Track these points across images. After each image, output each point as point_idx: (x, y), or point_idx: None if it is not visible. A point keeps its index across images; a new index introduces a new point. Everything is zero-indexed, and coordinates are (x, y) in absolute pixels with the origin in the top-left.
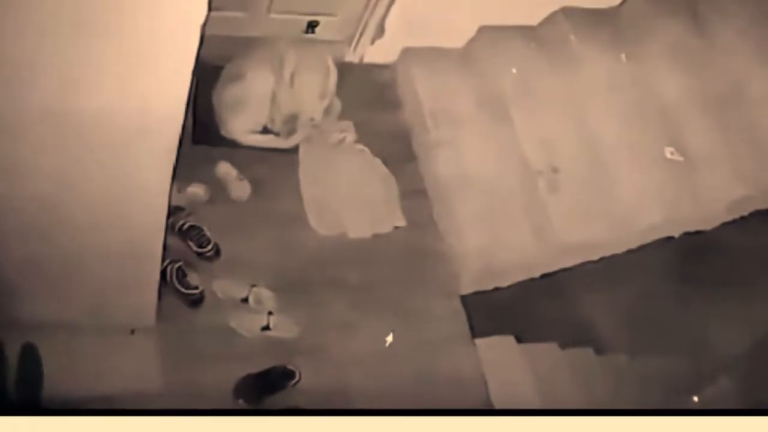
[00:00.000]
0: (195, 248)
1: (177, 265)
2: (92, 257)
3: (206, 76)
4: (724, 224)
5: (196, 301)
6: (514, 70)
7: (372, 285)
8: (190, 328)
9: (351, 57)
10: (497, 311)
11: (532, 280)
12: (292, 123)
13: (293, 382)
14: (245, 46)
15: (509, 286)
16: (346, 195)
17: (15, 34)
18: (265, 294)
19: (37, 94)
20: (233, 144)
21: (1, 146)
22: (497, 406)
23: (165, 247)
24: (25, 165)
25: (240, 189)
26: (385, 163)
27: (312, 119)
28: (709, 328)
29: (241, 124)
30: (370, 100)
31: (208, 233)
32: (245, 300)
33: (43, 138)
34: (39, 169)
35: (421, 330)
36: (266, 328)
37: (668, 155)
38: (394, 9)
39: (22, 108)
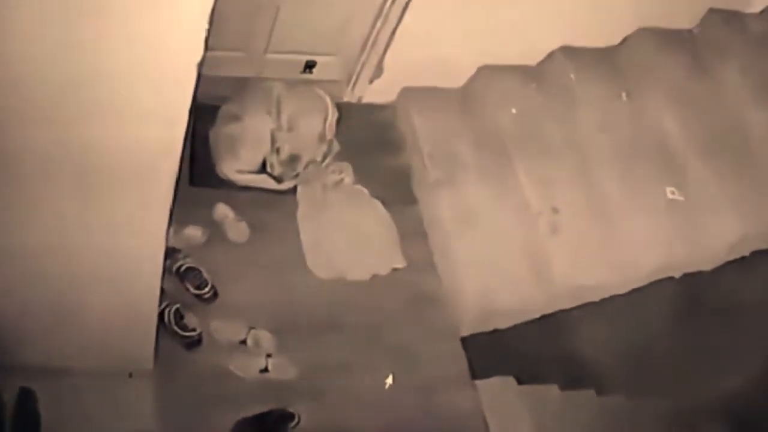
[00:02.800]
0: (193, 290)
1: (174, 308)
2: (89, 300)
3: (203, 117)
4: (725, 264)
5: (193, 344)
6: (513, 110)
7: (371, 327)
8: (188, 370)
9: (349, 97)
10: (497, 353)
11: (532, 321)
12: (292, 166)
13: (292, 424)
14: (242, 86)
15: (509, 328)
16: (344, 237)
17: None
18: (264, 336)
19: (30, 136)
20: (230, 185)
21: None
22: None
23: (162, 290)
24: (21, 208)
25: (238, 231)
26: (384, 204)
27: (313, 162)
28: (710, 368)
29: (236, 165)
30: (369, 140)
31: (206, 275)
32: (243, 342)
33: (36, 182)
34: (35, 212)
35: (421, 372)
36: (265, 370)
37: (669, 195)
38: (392, 48)
39: (15, 149)
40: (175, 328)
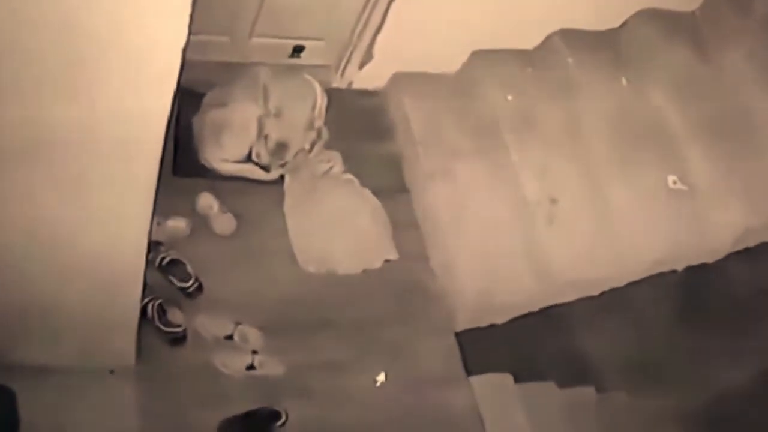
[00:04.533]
0: (177, 283)
1: (158, 302)
2: (69, 295)
3: (187, 104)
4: (729, 256)
5: (178, 340)
6: (509, 97)
7: (362, 322)
8: (172, 367)
9: (338, 83)
10: (493, 348)
11: (530, 316)
12: (280, 155)
13: (279, 423)
14: (227, 72)
15: (506, 323)
16: (334, 228)
17: None
18: (251, 332)
19: (7, 128)
20: (215, 175)
21: None
22: None
23: (145, 284)
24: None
25: (223, 222)
26: (375, 193)
27: (302, 150)
28: (713, 365)
29: (221, 154)
30: (359, 127)
31: (190, 268)
32: (230, 338)
33: (15, 171)
34: (11, 202)
35: (414, 369)
36: (251, 367)
37: (671, 184)
38: (383, 32)
39: None
40: (159, 323)
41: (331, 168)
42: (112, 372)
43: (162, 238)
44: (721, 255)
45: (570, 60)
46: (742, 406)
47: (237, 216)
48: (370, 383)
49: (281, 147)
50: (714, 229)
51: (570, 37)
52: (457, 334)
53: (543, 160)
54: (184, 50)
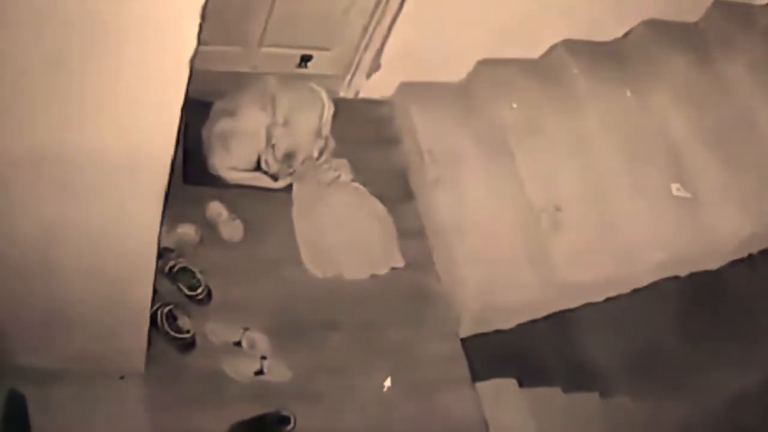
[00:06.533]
0: (186, 291)
1: (167, 309)
2: (79, 302)
3: (196, 113)
4: (732, 263)
5: (187, 346)
6: (514, 105)
7: (369, 328)
8: (181, 373)
9: (345, 92)
10: (499, 354)
11: (535, 321)
12: (288, 163)
13: (288, 428)
14: (236, 81)
15: (511, 328)
16: (341, 235)
17: None
18: (259, 338)
19: (18, 135)
20: (223, 183)
21: None
22: None
23: (155, 291)
24: (7, 207)
25: (232, 230)
26: (382, 201)
27: (310, 158)
28: (716, 370)
29: (229, 162)
30: (366, 136)
31: (199, 275)
32: (238, 344)
33: (25, 179)
34: (22, 211)
35: (420, 374)
36: (260, 372)
37: (674, 192)
38: (390, 42)
39: (2, 148)
40: (168, 330)
41: (338, 176)
42: (122, 378)
43: (171, 245)
44: (724, 261)
45: (575, 70)
46: (747, 412)
47: (246, 223)
48: (377, 388)
49: (289, 156)
50: (717, 235)
51: (575, 46)
52: (462, 340)
53: (548, 168)
54: (193, 60)
